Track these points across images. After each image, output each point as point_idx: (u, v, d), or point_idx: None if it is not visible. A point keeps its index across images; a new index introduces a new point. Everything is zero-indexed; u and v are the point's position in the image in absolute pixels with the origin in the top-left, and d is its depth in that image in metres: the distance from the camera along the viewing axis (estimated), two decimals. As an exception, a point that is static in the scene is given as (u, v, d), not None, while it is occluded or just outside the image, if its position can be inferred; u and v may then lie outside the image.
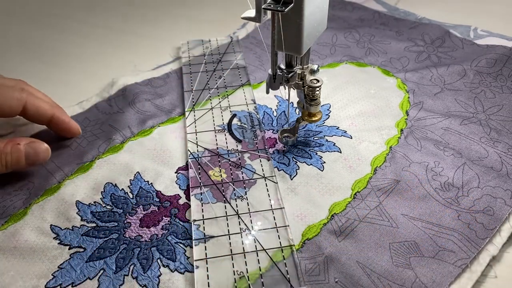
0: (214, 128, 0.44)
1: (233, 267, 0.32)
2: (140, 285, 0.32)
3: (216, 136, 0.43)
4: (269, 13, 0.34)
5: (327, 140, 0.42)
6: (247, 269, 0.32)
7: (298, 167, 0.40)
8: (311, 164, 0.40)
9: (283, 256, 0.33)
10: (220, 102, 0.47)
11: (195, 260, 0.33)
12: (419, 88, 0.48)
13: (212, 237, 0.34)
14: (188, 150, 0.42)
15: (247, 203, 0.37)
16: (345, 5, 0.64)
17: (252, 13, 0.34)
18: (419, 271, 0.31)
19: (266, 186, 0.38)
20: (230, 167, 0.40)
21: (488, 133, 0.42)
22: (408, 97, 0.47)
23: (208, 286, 0.31)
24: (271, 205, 0.36)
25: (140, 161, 0.41)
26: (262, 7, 0.33)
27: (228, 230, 0.35)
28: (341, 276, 0.32)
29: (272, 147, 0.42)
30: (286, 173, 0.39)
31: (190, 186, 0.38)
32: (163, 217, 0.36)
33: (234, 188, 0.38)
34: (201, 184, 0.38)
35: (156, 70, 0.54)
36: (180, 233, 0.35)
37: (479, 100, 0.46)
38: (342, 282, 0.31)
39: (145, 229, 0.35)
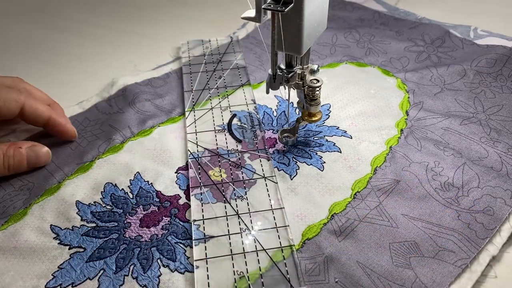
0: (214, 128, 0.44)
1: (233, 267, 0.32)
2: (140, 285, 0.32)
3: (216, 136, 0.43)
4: (269, 13, 0.34)
5: (327, 140, 0.42)
6: (247, 269, 0.32)
7: (298, 167, 0.40)
8: (311, 164, 0.40)
9: (283, 256, 0.33)
10: (220, 102, 0.47)
11: (195, 260, 0.33)
12: (419, 88, 0.48)
13: (212, 237, 0.34)
14: (188, 150, 0.42)
15: (247, 203, 0.37)
16: (345, 5, 0.64)
17: (252, 13, 0.34)
18: (419, 271, 0.31)
19: (266, 186, 0.38)
20: (230, 167, 0.40)
21: (488, 133, 0.42)
22: (408, 97, 0.47)
23: (208, 286, 0.31)
24: (271, 205, 0.36)
25: (140, 161, 0.41)
26: (262, 7, 0.33)
27: (228, 230, 0.35)
28: (341, 276, 0.32)
29: (272, 147, 0.42)
30: (286, 173, 0.39)
31: (190, 186, 0.38)
32: (163, 217, 0.36)
33: (234, 188, 0.38)
34: (201, 184, 0.38)
35: (156, 70, 0.54)
36: (180, 233, 0.35)
37: (479, 100, 0.46)
38: (342, 282, 0.31)
39: (145, 229, 0.35)
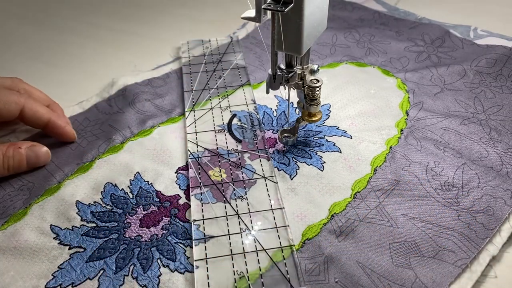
0: (214, 128, 0.44)
1: (233, 267, 0.32)
2: (140, 285, 0.32)
3: (216, 136, 0.43)
4: (269, 13, 0.34)
5: (327, 140, 0.42)
6: (247, 269, 0.32)
7: (298, 167, 0.40)
8: (311, 164, 0.40)
9: (283, 256, 0.33)
10: (220, 102, 0.47)
11: (195, 260, 0.33)
12: (419, 88, 0.48)
13: (212, 237, 0.34)
14: (188, 150, 0.42)
15: (247, 203, 0.37)
16: (345, 5, 0.64)
17: (252, 13, 0.34)
18: (419, 271, 0.31)
19: (266, 186, 0.38)
20: (230, 167, 0.40)
21: (488, 133, 0.42)
22: (408, 97, 0.47)
23: (208, 286, 0.31)
24: (271, 205, 0.36)
25: (140, 161, 0.41)
26: (262, 7, 0.33)
27: (228, 230, 0.35)
28: (341, 276, 0.32)
29: (272, 147, 0.42)
30: (286, 173, 0.39)
31: (190, 186, 0.38)
32: (163, 217, 0.36)
33: (234, 188, 0.38)
34: (201, 184, 0.38)
35: (156, 70, 0.54)
36: (180, 233, 0.35)
37: (479, 100, 0.46)
38: (342, 282, 0.31)
39: (145, 229, 0.35)
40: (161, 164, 0.41)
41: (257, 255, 0.33)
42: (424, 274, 0.31)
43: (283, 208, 0.36)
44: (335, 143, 0.42)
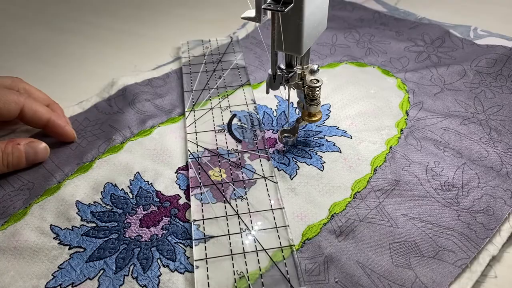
0: (214, 128, 0.44)
1: (233, 267, 0.32)
2: (140, 285, 0.32)
3: (216, 136, 0.43)
4: (269, 13, 0.34)
5: (327, 140, 0.42)
6: (247, 269, 0.32)
7: (298, 167, 0.40)
8: (311, 164, 0.40)
9: (283, 256, 0.33)
10: (220, 102, 0.47)
11: (195, 260, 0.33)
12: (419, 88, 0.48)
13: (212, 237, 0.34)
14: (188, 150, 0.42)
15: (247, 203, 0.37)
16: (345, 5, 0.64)
17: (252, 13, 0.34)
18: (419, 271, 0.31)
19: (266, 186, 0.38)
20: (230, 167, 0.40)
21: (488, 133, 0.42)
22: (408, 97, 0.47)
23: (208, 286, 0.31)
24: (271, 205, 0.36)
25: (140, 161, 0.41)
26: (262, 7, 0.33)
27: (228, 230, 0.35)
28: (341, 276, 0.32)
29: (272, 147, 0.42)
30: (286, 173, 0.39)
31: (190, 186, 0.38)
32: (163, 217, 0.36)
33: (234, 188, 0.38)
34: (201, 184, 0.38)
35: (156, 70, 0.54)
36: (180, 233, 0.35)
37: (479, 100, 0.46)
38: (342, 282, 0.31)
39: (145, 229, 0.35)
40: (161, 164, 0.41)
41: (257, 255, 0.33)
42: (424, 274, 0.31)
43: (283, 208, 0.36)
44: (335, 143, 0.42)
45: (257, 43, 0.57)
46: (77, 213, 0.37)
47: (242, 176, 0.39)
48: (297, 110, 0.44)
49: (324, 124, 0.44)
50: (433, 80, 0.49)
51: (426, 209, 0.35)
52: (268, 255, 0.33)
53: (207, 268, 0.32)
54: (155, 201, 0.38)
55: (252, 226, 0.35)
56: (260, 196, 0.37)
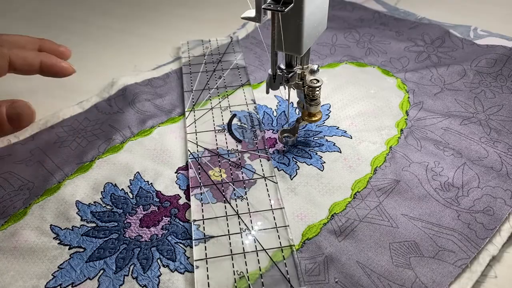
0: (214, 128, 0.44)
1: (233, 267, 0.32)
2: (140, 285, 0.32)
3: (216, 136, 0.43)
4: (269, 13, 0.34)
5: (327, 140, 0.42)
6: (247, 269, 0.32)
7: (298, 167, 0.40)
8: (311, 164, 0.40)
9: (283, 256, 0.33)
10: (220, 102, 0.47)
11: (195, 260, 0.33)
12: (419, 88, 0.48)
13: (212, 237, 0.34)
14: (188, 150, 0.42)
15: (247, 203, 0.37)
16: (345, 5, 0.64)
17: (252, 13, 0.34)
18: (419, 271, 0.31)
19: (266, 186, 0.38)
20: (230, 167, 0.40)
21: (488, 133, 0.42)
22: (408, 97, 0.47)
23: (208, 286, 0.31)
24: (271, 205, 0.36)
25: (140, 161, 0.41)
26: (262, 7, 0.33)
27: (228, 230, 0.35)
28: (341, 276, 0.32)
29: (272, 147, 0.42)
30: (286, 173, 0.39)
31: (190, 186, 0.38)
32: (163, 217, 0.36)
33: (234, 188, 0.38)
34: (201, 184, 0.38)
35: (156, 70, 0.54)
36: (180, 233, 0.35)
37: (479, 100, 0.46)
38: (342, 282, 0.31)
39: (145, 229, 0.35)
40: (161, 164, 0.41)
41: (257, 255, 0.33)
42: (424, 274, 0.31)
43: (283, 208, 0.36)
44: (335, 143, 0.42)
45: (257, 43, 0.57)
46: (77, 213, 0.37)
47: (242, 176, 0.39)
48: (297, 110, 0.44)
49: (324, 124, 0.44)
50: (433, 80, 0.49)
51: (426, 209, 0.35)
52: (268, 255, 0.33)
53: (207, 268, 0.32)
54: (155, 201, 0.38)
55: (252, 226, 0.35)
56: (260, 196, 0.37)
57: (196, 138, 0.43)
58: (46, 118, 0.47)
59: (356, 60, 0.53)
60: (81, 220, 0.36)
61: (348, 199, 0.37)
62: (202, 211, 0.36)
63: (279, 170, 0.40)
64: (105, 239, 0.35)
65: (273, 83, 0.38)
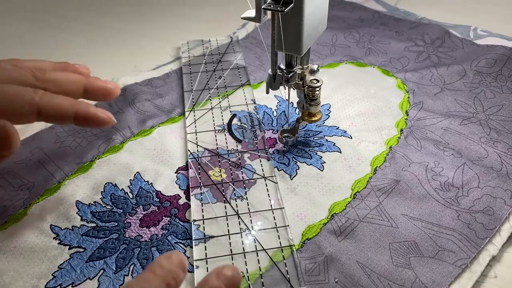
0: (214, 128, 0.44)
1: (233, 267, 0.32)
2: (140, 285, 0.32)
3: (216, 136, 0.43)
4: (269, 13, 0.34)
5: (327, 140, 0.42)
6: (247, 269, 0.32)
7: (298, 167, 0.40)
8: (311, 164, 0.40)
9: (283, 256, 0.33)
10: (220, 102, 0.47)
11: (195, 260, 0.33)
12: (419, 88, 0.48)
13: (212, 237, 0.34)
14: (188, 150, 0.42)
15: (247, 203, 0.37)
16: (345, 5, 0.64)
17: (252, 13, 0.34)
18: (419, 271, 0.31)
19: (266, 186, 0.38)
20: (230, 167, 0.40)
21: (488, 133, 0.42)
22: (408, 97, 0.47)
23: None
24: (271, 205, 0.36)
25: (140, 161, 0.41)
26: (262, 7, 0.33)
27: (228, 230, 0.35)
28: (341, 276, 0.32)
29: (272, 147, 0.42)
30: (286, 173, 0.39)
31: (190, 186, 0.38)
32: (163, 217, 0.36)
33: (234, 188, 0.38)
34: (201, 184, 0.38)
35: (156, 70, 0.54)
36: (180, 233, 0.35)
37: (479, 100, 0.46)
38: (342, 282, 0.31)
39: (145, 229, 0.35)
40: (161, 164, 0.41)
41: (257, 255, 0.33)
42: (424, 274, 0.31)
43: (283, 208, 0.36)
44: (335, 143, 0.42)
45: (257, 43, 0.57)
46: (77, 213, 0.37)
47: (242, 176, 0.39)
48: (297, 110, 0.44)
49: (324, 124, 0.44)
50: (433, 80, 0.49)
51: (426, 209, 0.35)
52: (268, 255, 0.33)
53: (207, 268, 0.32)
54: (155, 201, 0.38)
55: (252, 226, 0.35)
56: (260, 196, 0.37)
57: (196, 138, 0.43)
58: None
59: (356, 60, 0.53)
60: (81, 220, 0.36)
61: (348, 199, 0.37)
62: (202, 211, 0.36)
63: (279, 170, 0.40)
64: (105, 239, 0.35)
65: (273, 83, 0.38)
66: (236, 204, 0.37)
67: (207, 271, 0.32)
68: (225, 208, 0.36)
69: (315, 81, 0.37)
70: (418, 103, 0.46)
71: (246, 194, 0.37)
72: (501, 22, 0.60)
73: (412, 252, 0.33)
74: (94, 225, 0.36)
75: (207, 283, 0.26)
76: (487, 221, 0.34)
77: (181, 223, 0.36)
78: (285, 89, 0.39)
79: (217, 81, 0.50)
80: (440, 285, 0.30)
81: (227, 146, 0.42)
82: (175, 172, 0.40)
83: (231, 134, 0.43)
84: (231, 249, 0.33)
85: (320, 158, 0.41)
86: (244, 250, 0.33)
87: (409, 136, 0.42)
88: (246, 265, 0.32)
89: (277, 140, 0.43)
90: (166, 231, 0.35)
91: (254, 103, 0.47)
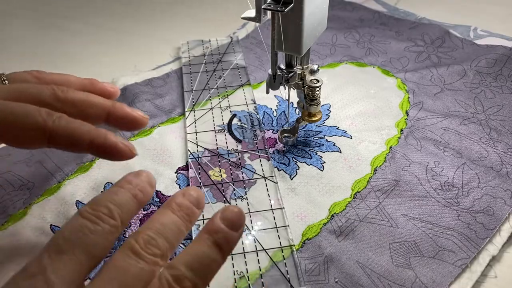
0: (214, 128, 0.44)
1: (233, 267, 0.32)
2: (140, 285, 0.32)
3: (216, 136, 0.43)
4: (269, 13, 0.34)
5: (327, 140, 0.42)
6: (247, 269, 0.32)
7: (298, 167, 0.40)
8: (311, 164, 0.40)
9: (283, 256, 0.33)
10: (220, 102, 0.47)
11: (195, 260, 0.33)
12: (419, 88, 0.48)
13: (212, 237, 0.34)
14: (188, 150, 0.42)
15: (247, 203, 0.37)
16: (345, 5, 0.64)
17: (252, 13, 0.34)
18: (419, 271, 0.31)
19: (266, 186, 0.38)
20: (230, 167, 0.40)
21: (488, 133, 0.42)
22: (408, 97, 0.47)
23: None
24: (271, 205, 0.36)
25: (140, 161, 0.41)
26: (262, 7, 0.33)
27: (228, 230, 0.35)
28: (341, 276, 0.32)
29: (272, 147, 0.42)
30: (286, 173, 0.39)
31: (190, 186, 0.38)
32: (163, 217, 0.36)
33: (234, 188, 0.38)
34: (201, 184, 0.38)
35: (156, 70, 0.54)
36: (180, 233, 0.35)
37: (479, 100, 0.46)
38: (342, 282, 0.31)
39: (145, 229, 0.35)
40: (161, 164, 0.41)
41: (257, 255, 0.33)
42: (424, 274, 0.31)
43: (283, 208, 0.36)
44: (335, 143, 0.42)
45: (257, 43, 0.57)
46: (77, 213, 0.37)
47: (242, 176, 0.39)
48: (297, 110, 0.44)
49: (324, 124, 0.44)
50: (433, 80, 0.49)
51: (426, 209, 0.35)
52: (268, 255, 0.33)
53: (207, 268, 0.32)
54: (155, 201, 0.38)
55: (252, 226, 0.35)
56: (260, 196, 0.37)
57: (196, 138, 0.43)
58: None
59: (356, 60, 0.53)
60: (81, 220, 0.36)
61: (348, 199, 0.37)
62: (202, 211, 0.36)
63: (279, 170, 0.40)
64: (105, 239, 0.35)
65: (273, 83, 0.38)
66: (236, 204, 0.37)
67: (207, 271, 0.32)
68: (225, 208, 0.36)
69: (315, 81, 0.37)
70: (418, 103, 0.46)
71: (246, 194, 0.37)
72: (501, 22, 0.60)
73: (412, 252, 0.33)
74: (94, 225, 0.36)
75: (173, 199, 0.27)
76: (487, 221, 0.34)
77: (181, 223, 0.36)
78: (285, 89, 0.39)
79: (217, 81, 0.50)
80: (440, 285, 0.30)
81: (227, 146, 0.42)
82: (175, 172, 0.40)
83: (231, 134, 0.43)
84: (231, 249, 0.33)
85: (320, 158, 0.41)
86: (244, 250, 0.33)
87: (409, 136, 0.42)
88: (246, 265, 0.32)
89: (277, 140, 0.43)
90: (166, 231, 0.35)
91: (254, 103, 0.47)
